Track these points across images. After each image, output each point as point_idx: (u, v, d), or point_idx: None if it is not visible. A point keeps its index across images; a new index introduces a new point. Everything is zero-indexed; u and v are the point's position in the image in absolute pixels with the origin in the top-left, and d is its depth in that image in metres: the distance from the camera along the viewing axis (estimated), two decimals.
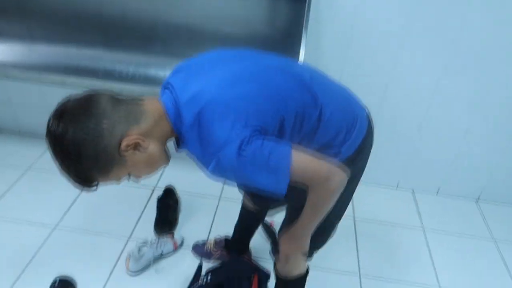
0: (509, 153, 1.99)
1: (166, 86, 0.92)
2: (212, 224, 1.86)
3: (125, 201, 1.93)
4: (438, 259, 1.83)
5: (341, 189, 0.89)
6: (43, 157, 2.16)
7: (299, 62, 1.32)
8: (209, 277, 1.43)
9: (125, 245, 1.71)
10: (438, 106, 1.89)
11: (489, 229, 2.02)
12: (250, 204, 1.46)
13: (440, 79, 1.81)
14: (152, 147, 0.85)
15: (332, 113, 0.94)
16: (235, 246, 1.64)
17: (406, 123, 1.97)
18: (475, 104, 1.87)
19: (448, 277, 1.74)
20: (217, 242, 1.67)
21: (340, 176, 0.87)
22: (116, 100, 0.82)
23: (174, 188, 1.94)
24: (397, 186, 2.22)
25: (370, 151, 1.12)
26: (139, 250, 1.59)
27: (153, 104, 0.87)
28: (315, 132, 0.93)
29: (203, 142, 0.82)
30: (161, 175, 2.12)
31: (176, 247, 1.70)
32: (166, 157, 0.93)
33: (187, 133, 0.85)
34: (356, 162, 1.05)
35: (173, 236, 1.71)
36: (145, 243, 1.64)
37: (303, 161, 0.84)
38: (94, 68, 1.73)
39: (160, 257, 1.66)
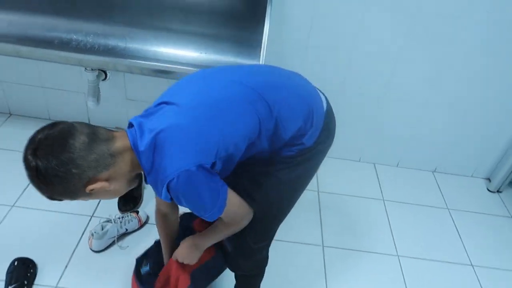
0: (463, 126, 2.09)
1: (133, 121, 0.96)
2: None
3: None
4: (397, 228, 1.92)
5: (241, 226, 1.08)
6: None
7: (254, 65, 1.30)
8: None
9: (88, 223, 1.67)
10: (398, 81, 1.94)
11: (444, 199, 2.13)
12: None
13: (399, 53, 1.84)
14: (117, 185, 0.90)
15: (288, 116, 1.00)
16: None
17: (367, 98, 2.01)
18: (433, 78, 1.92)
19: (405, 245, 1.84)
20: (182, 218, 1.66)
21: (250, 216, 1.05)
22: (91, 139, 0.83)
23: None
24: (359, 160, 2.29)
25: (331, 139, 1.17)
26: (102, 227, 1.57)
27: (123, 141, 0.89)
28: (276, 134, 1.00)
29: (153, 170, 0.88)
30: None
31: (141, 224, 1.69)
32: (130, 187, 0.97)
33: (144, 161, 0.89)
34: (316, 151, 1.10)
35: (137, 213, 1.69)
36: (108, 220, 1.61)
37: (231, 203, 0.97)
38: (49, 37, 1.63)
39: (125, 234, 1.64)
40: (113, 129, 0.93)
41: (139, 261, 1.39)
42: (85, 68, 1.80)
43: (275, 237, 1.73)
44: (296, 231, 1.81)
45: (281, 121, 0.98)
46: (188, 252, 1.19)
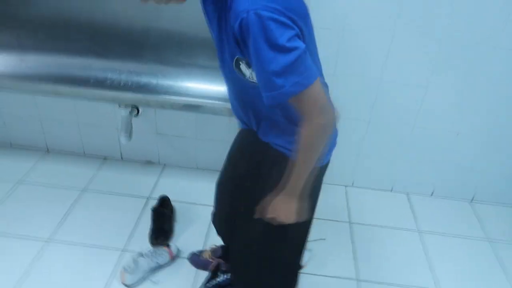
0: (499, 153, 2.01)
1: None
2: (208, 233, 1.85)
3: (118, 212, 1.90)
4: (435, 260, 1.83)
5: (330, 133, 0.89)
6: (35, 170, 2.13)
7: None
8: (227, 276, 1.49)
9: (120, 257, 1.68)
10: (429, 109, 1.91)
11: (483, 229, 2.03)
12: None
13: (429, 80, 1.83)
14: None
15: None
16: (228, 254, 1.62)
17: (398, 126, 1.98)
18: (465, 104, 1.88)
19: (445, 278, 1.74)
20: (213, 251, 1.65)
21: (333, 115, 0.88)
22: None
23: (169, 198, 1.93)
24: (391, 190, 2.23)
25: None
26: (134, 261, 1.57)
27: None
28: None
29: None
30: (155, 184, 2.10)
31: (172, 258, 1.68)
32: None
33: None
34: (322, 175, 1.11)
35: (168, 246, 1.69)
36: (140, 254, 1.62)
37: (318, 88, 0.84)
38: (86, 77, 1.72)
39: (156, 268, 1.64)
40: None
41: None
42: (119, 105, 1.87)
43: (308, 271, 1.70)
44: (328, 264, 1.76)
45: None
46: (280, 210, 1.00)
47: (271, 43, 0.77)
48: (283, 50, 0.78)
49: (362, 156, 2.10)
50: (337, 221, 2.01)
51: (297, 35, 0.81)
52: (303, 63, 0.81)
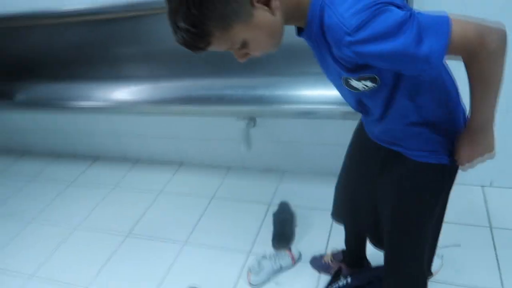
0: None
1: None
2: (329, 237, 1.84)
3: (243, 217, 2.03)
4: None
5: (504, 51, 0.76)
6: (172, 181, 2.42)
7: None
8: (349, 280, 1.47)
9: (245, 259, 1.79)
10: None
11: None
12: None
13: None
14: (279, 16, 0.81)
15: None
16: (352, 258, 1.59)
17: None
18: None
19: None
20: (334, 255, 1.64)
21: (496, 33, 0.74)
22: None
23: (289, 203, 1.98)
24: None
25: None
26: (259, 263, 1.66)
27: None
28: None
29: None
30: (275, 190, 2.19)
31: (294, 261, 1.72)
32: (281, 38, 0.87)
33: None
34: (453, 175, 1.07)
35: (291, 250, 1.74)
36: (264, 257, 1.70)
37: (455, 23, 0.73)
38: (207, 96, 1.90)
39: (279, 270, 1.70)
40: None
41: None
42: (238, 118, 2.01)
43: (441, 279, 1.56)
44: (465, 273, 1.58)
45: None
46: (470, 152, 0.99)
47: (390, 34, 0.72)
48: (400, 26, 0.71)
49: (500, 151, 1.84)
50: (475, 225, 1.80)
51: (392, 4, 0.74)
52: (422, 16, 0.73)
